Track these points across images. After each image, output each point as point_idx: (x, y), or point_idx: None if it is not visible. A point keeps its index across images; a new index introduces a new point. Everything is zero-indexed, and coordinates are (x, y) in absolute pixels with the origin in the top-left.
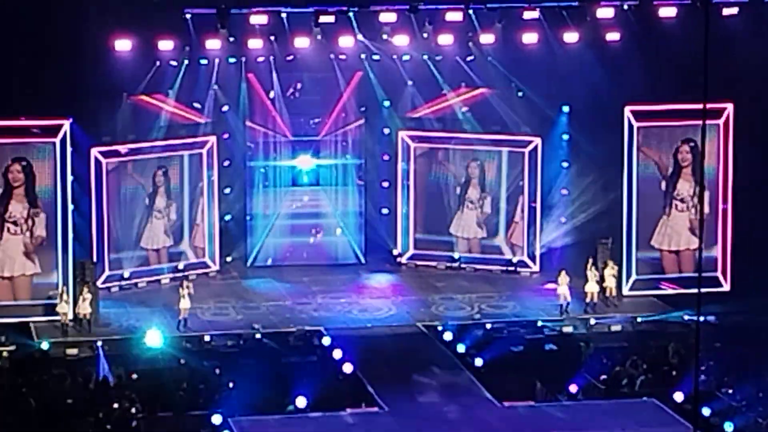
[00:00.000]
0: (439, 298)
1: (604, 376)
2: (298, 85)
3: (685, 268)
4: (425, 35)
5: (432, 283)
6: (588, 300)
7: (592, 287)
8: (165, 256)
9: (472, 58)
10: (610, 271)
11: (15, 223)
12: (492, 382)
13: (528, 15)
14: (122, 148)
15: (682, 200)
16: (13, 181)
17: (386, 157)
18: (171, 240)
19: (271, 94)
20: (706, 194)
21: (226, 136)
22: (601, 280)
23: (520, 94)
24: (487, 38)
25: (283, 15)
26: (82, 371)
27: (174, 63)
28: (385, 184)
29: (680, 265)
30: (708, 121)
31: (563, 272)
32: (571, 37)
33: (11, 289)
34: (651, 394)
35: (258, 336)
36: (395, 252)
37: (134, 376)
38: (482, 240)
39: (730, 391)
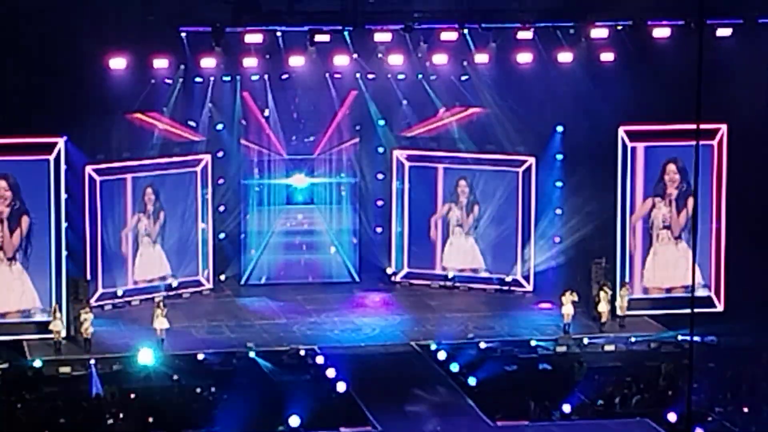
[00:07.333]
0: (433, 317)
1: (597, 396)
2: (296, 100)
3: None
4: (420, 55)
5: (426, 302)
6: (603, 320)
7: (603, 307)
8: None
9: (466, 77)
10: (621, 292)
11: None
12: (485, 401)
13: (522, 35)
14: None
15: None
16: (3, 199)
17: (381, 176)
18: (165, 261)
19: (266, 113)
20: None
21: (220, 154)
22: (612, 300)
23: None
24: (481, 58)
25: (278, 34)
26: (75, 389)
27: (169, 81)
28: (380, 203)
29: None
30: (701, 142)
31: (568, 292)
32: (565, 57)
33: (2, 307)
34: (644, 413)
35: (251, 354)
36: (389, 270)
37: (132, 395)
38: (474, 259)
39: (723, 411)
